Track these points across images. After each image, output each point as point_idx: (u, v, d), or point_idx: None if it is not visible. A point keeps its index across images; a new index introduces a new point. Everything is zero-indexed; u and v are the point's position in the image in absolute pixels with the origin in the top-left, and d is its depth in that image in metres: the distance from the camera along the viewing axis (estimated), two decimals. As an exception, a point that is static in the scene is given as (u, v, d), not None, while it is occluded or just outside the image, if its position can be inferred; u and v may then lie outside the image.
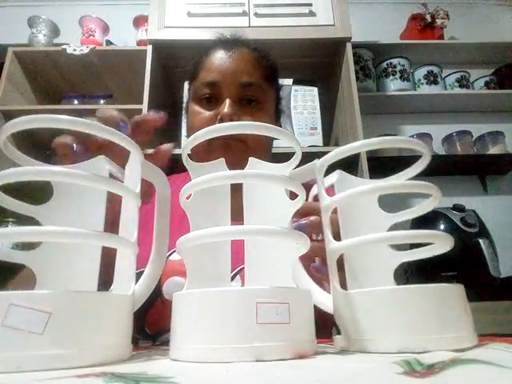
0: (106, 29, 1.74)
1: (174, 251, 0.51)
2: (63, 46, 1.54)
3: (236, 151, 0.58)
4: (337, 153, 0.30)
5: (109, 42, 1.75)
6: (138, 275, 0.50)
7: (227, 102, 0.59)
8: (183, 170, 0.41)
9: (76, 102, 1.65)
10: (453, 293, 0.27)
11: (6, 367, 0.19)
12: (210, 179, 0.27)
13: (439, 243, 0.29)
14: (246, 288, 0.24)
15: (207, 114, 0.61)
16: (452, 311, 0.25)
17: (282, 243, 0.29)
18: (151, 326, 0.51)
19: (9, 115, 1.49)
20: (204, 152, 0.58)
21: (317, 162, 0.32)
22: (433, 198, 0.31)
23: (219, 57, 0.64)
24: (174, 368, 0.21)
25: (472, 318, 0.26)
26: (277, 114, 0.69)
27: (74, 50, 1.52)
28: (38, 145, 1.68)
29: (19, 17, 1.82)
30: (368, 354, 0.25)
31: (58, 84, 1.72)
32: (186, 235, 0.26)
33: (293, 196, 0.32)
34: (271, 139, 0.68)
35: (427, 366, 0.17)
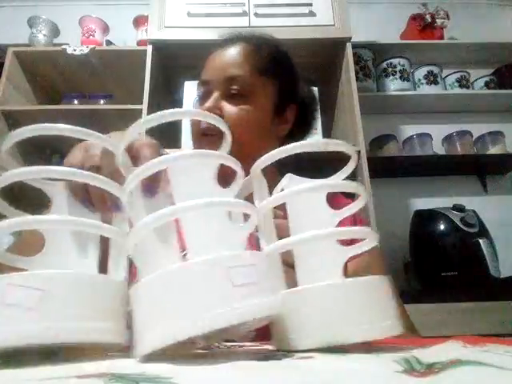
0: (105, 29, 1.74)
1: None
2: (63, 46, 1.54)
3: (218, 144, 0.58)
4: (266, 158, 0.32)
5: (109, 42, 1.75)
6: None
7: (213, 96, 0.60)
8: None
9: (76, 101, 1.66)
10: (374, 285, 0.27)
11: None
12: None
13: (369, 238, 0.31)
14: (215, 256, 0.23)
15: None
16: (373, 302, 0.26)
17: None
18: None
19: (9, 115, 1.49)
20: (197, 144, 0.62)
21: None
22: (361, 198, 0.33)
23: (213, 55, 0.65)
24: (173, 368, 0.21)
25: (396, 308, 0.27)
26: (278, 109, 0.66)
27: (74, 50, 1.52)
28: (39, 145, 1.68)
29: (19, 17, 1.82)
30: (368, 354, 0.25)
31: (58, 84, 1.72)
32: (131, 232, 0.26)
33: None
34: (276, 137, 0.66)
35: (426, 365, 0.17)
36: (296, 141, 0.73)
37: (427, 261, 1.43)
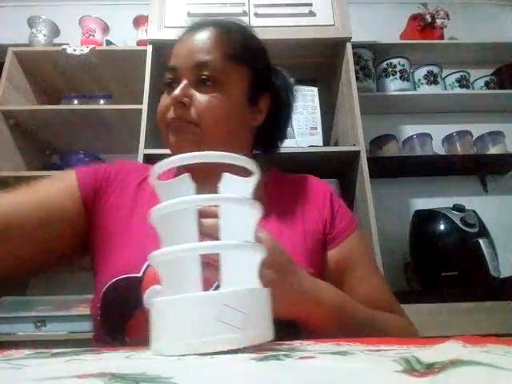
0: (105, 29, 1.74)
1: None
2: (63, 46, 1.54)
3: (188, 134, 0.56)
4: (165, 163, 0.32)
5: (109, 42, 1.75)
6: (128, 280, 0.48)
7: (182, 83, 0.56)
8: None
9: (76, 101, 1.65)
10: (248, 295, 0.29)
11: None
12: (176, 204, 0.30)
13: (255, 251, 0.33)
14: (211, 293, 0.29)
15: (167, 99, 0.58)
16: (247, 311, 0.28)
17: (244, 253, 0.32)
18: (132, 336, 0.48)
19: (9, 115, 1.49)
20: (165, 136, 0.58)
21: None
22: (254, 175, 0.35)
23: (181, 40, 0.61)
24: (173, 368, 0.21)
25: (268, 317, 0.30)
26: (253, 96, 0.62)
27: (74, 50, 1.52)
28: (39, 145, 1.68)
29: (19, 17, 1.82)
30: (368, 354, 0.25)
31: (58, 84, 1.72)
32: (159, 251, 0.30)
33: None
34: (249, 127, 0.63)
35: (426, 365, 0.17)
36: (271, 132, 0.70)
37: (427, 261, 1.42)
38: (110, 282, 0.49)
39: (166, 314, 0.28)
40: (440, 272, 1.35)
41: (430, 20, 1.82)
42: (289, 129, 1.40)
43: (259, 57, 0.65)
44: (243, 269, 0.32)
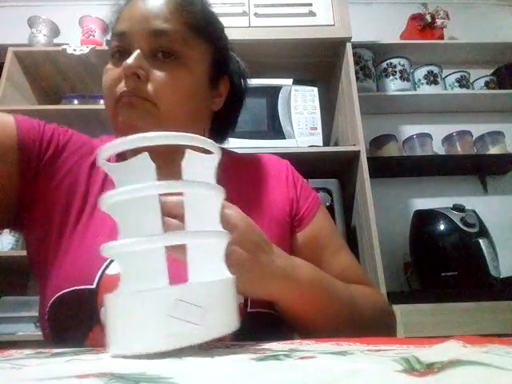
0: (105, 29, 1.74)
1: (112, 261, 0.43)
2: (63, 46, 1.54)
3: (142, 112, 0.47)
4: (112, 146, 0.29)
5: (109, 42, 1.74)
6: (76, 293, 0.42)
7: (134, 53, 0.47)
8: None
9: (76, 101, 1.65)
10: (214, 287, 0.29)
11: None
12: (136, 190, 0.27)
13: (219, 238, 0.31)
14: (162, 288, 0.27)
15: (115, 70, 0.49)
16: (214, 303, 0.28)
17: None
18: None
19: (9, 115, 1.49)
20: (113, 114, 0.48)
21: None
22: (214, 155, 0.33)
23: (131, 3, 0.51)
24: (173, 368, 0.21)
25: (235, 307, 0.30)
26: (213, 78, 0.55)
27: (74, 50, 1.52)
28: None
29: (19, 17, 1.82)
30: (368, 354, 0.25)
31: (58, 84, 1.72)
32: (118, 242, 0.27)
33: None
34: (208, 112, 0.57)
35: (426, 364, 0.17)
36: (227, 118, 0.63)
37: (427, 261, 1.42)
38: (56, 295, 0.43)
39: (118, 311, 0.27)
40: (440, 272, 1.35)
41: (430, 20, 1.82)
42: (289, 129, 1.41)
43: (220, 33, 0.57)
44: (210, 257, 0.30)
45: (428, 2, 1.88)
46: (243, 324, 0.48)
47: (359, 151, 1.33)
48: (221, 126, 0.63)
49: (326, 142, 1.53)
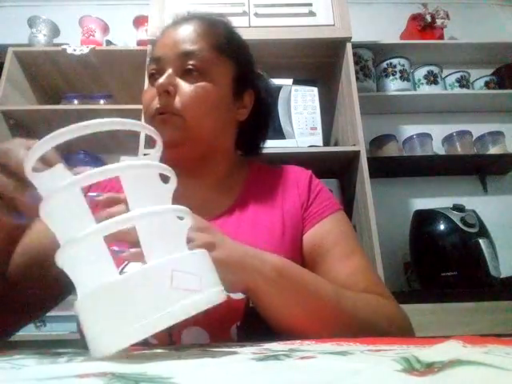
0: (106, 29, 1.74)
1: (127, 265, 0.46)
2: (63, 46, 1.54)
3: (172, 127, 0.54)
4: (48, 139, 0.29)
5: (109, 42, 1.75)
6: None
7: (166, 73, 0.55)
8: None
9: (76, 101, 1.65)
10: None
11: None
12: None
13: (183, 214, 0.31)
14: (157, 262, 0.27)
15: (151, 90, 0.57)
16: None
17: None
18: None
19: (9, 115, 1.49)
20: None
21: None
22: (157, 146, 0.34)
23: (165, 32, 0.61)
24: (173, 368, 0.21)
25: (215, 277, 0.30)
26: (237, 90, 0.61)
27: (74, 50, 1.52)
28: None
29: (19, 17, 1.82)
30: (368, 354, 0.25)
31: (58, 84, 1.72)
32: (61, 249, 0.27)
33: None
34: (233, 122, 0.62)
35: (426, 364, 0.17)
36: (254, 132, 0.68)
37: (427, 261, 1.42)
38: None
39: (120, 295, 0.26)
40: (440, 272, 1.35)
41: (430, 20, 1.82)
42: (289, 129, 1.41)
43: (243, 51, 0.64)
44: (165, 237, 0.29)
45: (428, 2, 1.87)
46: (246, 319, 0.48)
47: (359, 151, 1.33)
48: (251, 138, 0.69)
49: (326, 142, 1.53)
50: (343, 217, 0.60)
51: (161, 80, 0.53)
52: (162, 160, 0.33)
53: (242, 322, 0.47)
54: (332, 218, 0.58)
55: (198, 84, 0.55)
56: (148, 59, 0.61)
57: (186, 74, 0.55)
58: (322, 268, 0.54)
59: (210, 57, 0.57)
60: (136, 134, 1.29)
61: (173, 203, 0.31)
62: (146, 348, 0.39)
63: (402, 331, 0.47)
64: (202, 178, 0.60)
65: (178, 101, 0.54)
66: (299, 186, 0.61)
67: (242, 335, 0.46)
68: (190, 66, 0.55)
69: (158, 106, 0.54)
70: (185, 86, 0.54)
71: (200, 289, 0.27)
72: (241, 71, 0.62)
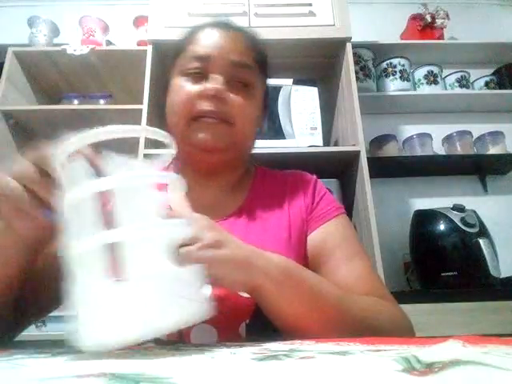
0: (106, 29, 1.74)
1: None
2: (63, 46, 1.54)
3: (221, 133, 0.54)
4: (82, 138, 0.32)
5: (109, 42, 1.75)
6: None
7: (217, 77, 0.54)
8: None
9: (76, 101, 1.65)
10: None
11: None
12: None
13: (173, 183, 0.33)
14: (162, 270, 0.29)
15: (194, 88, 0.55)
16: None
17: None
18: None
19: (9, 115, 1.49)
20: (185, 130, 0.54)
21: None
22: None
23: (211, 32, 0.59)
24: (173, 368, 0.21)
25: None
26: (264, 107, 0.64)
27: (74, 50, 1.52)
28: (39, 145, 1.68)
29: (19, 17, 1.82)
30: (368, 354, 0.25)
31: (58, 84, 1.72)
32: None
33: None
34: (260, 123, 0.64)
35: (426, 364, 0.17)
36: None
37: (427, 261, 1.42)
38: None
39: (126, 297, 0.27)
40: (440, 272, 1.35)
41: (430, 20, 1.82)
42: (288, 129, 1.41)
43: (268, 66, 0.66)
44: (151, 253, 0.30)
45: (428, 2, 1.87)
46: (255, 317, 0.48)
47: (359, 151, 1.33)
48: None
49: (326, 142, 1.53)
50: (346, 220, 0.61)
51: (218, 85, 0.53)
52: (179, 159, 0.34)
53: (250, 320, 0.47)
54: (336, 220, 0.58)
55: (246, 97, 0.56)
56: (187, 57, 0.58)
57: (233, 84, 0.56)
58: (325, 269, 0.54)
59: (255, 72, 0.59)
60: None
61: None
62: (151, 345, 0.39)
63: (404, 333, 0.48)
64: (218, 181, 0.61)
65: (230, 110, 0.54)
66: (304, 190, 0.62)
67: (250, 333, 0.47)
68: (239, 78, 0.56)
69: (209, 108, 0.53)
70: (235, 97, 0.55)
71: (203, 300, 0.28)
72: (267, 88, 0.65)
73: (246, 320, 0.47)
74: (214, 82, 0.53)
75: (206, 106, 0.53)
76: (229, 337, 0.46)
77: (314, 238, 0.57)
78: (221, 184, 0.61)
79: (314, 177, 0.65)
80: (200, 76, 0.55)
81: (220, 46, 0.56)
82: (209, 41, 0.57)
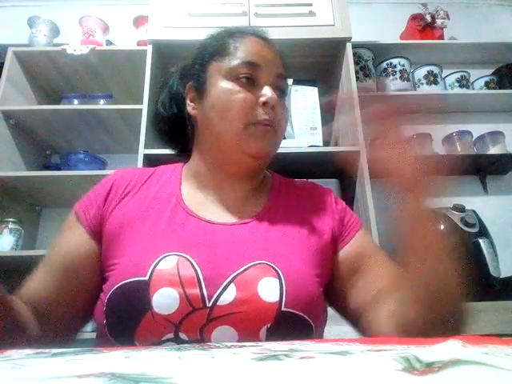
0: (106, 29, 1.74)
1: (163, 258, 0.49)
2: (63, 46, 1.54)
3: (272, 140, 0.59)
4: None
5: (109, 42, 1.75)
6: (133, 283, 0.48)
7: (271, 87, 0.58)
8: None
9: (76, 101, 1.65)
10: None
11: None
12: None
13: None
14: None
15: (248, 94, 0.57)
16: None
17: None
18: (141, 338, 0.47)
19: (9, 115, 1.49)
20: (239, 135, 0.56)
21: None
22: None
23: (257, 41, 0.61)
24: (173, 368, 0.21)
25: None
26: None
27: (74, 50, 1.52)
28: (39, 145, 1.68)
29: (19, 17, 1.82)
30: (368, 354, 0.25)
31: (58, 84, 1.72)
32: None
33: None
34: None
35: (426, 363, 0.17)
36: None
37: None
38: (114, 287, 0.49)
39: None
40: (440, 272, 1.35)
41: (430, 20, 1.82)
42: (289, 129, 1.41)
43: None
44: None
45: (428, 2, 1.87)
46: (277, 322, 0.49)
47: (359, 151, 1.33)
48: None
49: (326, 142, 1.52)
50: (367, 232, 0.66)
51: (274, 95, 0.56)
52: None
53: (272, 325, 0.47)
54: (362, 231, 0.63)
55: (284, 107, 0.62)
56: (237, 61, 0.59)
57: (277, 93, 0.59)
58: (369, 274, 0.57)
59: (287, 83, 0.65)
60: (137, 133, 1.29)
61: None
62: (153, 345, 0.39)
63: None
64: (246, 184, 0.63)
65: (280, 118, 0.59)
66: (325, 204, 0.63)
67: (271, 338, 0.47)
68: (282, 89, 0.61)
69: (266, 117, 0.56)
70: (279, 107, 0.59)
71: None
72: None
73: (267, 324, 0.47)
74: (271, 92, 0.57)
75: (264, 113, 0.56)
76: (249, 340, 0.46)
77: (350, 248, 0.59)
78: (247, 188, 0.63)
79: (331, 190, 0.68)
80: (248, 83, 0.57)
81: (269, 58, 0.60)
82: (259, 50, 0.60)
